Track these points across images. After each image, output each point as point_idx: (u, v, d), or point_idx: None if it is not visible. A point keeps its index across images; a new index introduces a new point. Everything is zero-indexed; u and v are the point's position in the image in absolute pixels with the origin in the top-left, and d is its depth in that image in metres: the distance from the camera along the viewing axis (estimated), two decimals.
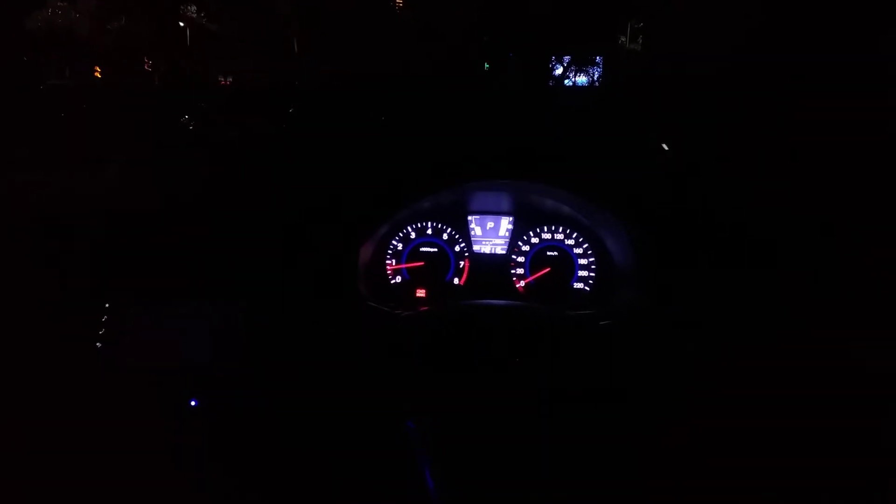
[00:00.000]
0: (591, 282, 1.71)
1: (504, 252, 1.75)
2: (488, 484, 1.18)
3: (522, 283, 1.73)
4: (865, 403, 1.28)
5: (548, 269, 1.72)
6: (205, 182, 1.69)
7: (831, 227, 1.46)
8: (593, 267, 1.71)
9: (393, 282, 1.75)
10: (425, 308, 1.40)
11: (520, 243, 1.75)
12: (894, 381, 1.28)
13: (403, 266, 1.75)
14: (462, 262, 1.75)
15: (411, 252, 1.75)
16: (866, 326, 1.34)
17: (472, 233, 1.77)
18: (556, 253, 1.73)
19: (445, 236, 1.76)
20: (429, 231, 1.76)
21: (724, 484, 1.23)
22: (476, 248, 1.76)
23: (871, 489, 1.23)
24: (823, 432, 1.26)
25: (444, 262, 1.75)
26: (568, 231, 1.73)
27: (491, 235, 1.76)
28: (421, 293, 1.74)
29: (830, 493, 1.22)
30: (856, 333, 1.34)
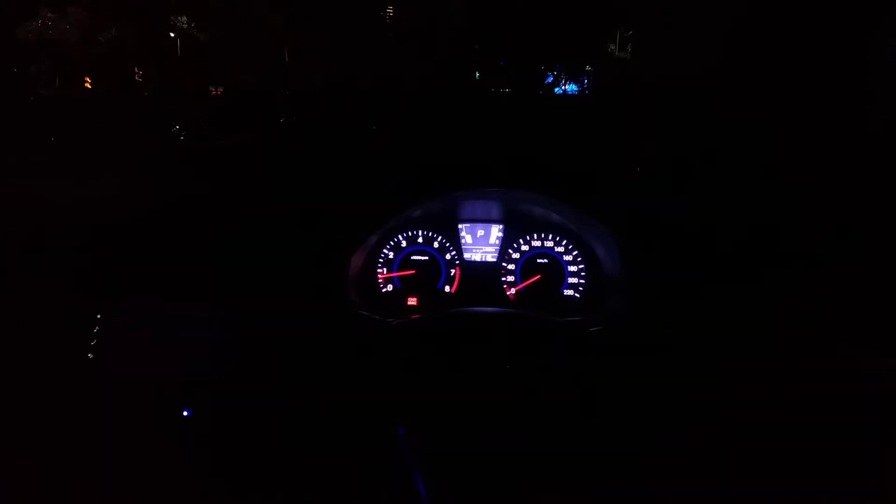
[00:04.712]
0: (581, 289, 1.72)
1: (494, 260, 1.76)
2: (479, 489, 1.18)
3: (513, 291, 1.74)
4: (853, 405, 1.30)
5: (538, 277, 1.73)
6: (195, 193, 1.69)
7: (819, 232, 1.48)
8: (583, 274, 1.72)
9: (384, 290, 1.76)
10: (416, 316, 1.41)
11: (510, 251, 1.76)
12: (882, 383, 1.30)
13: (395, 274, 1.76)
14: (453, 270, 1.76)
15: (402, 260, 1.76)
16: (852, 330, 1.36)
17: (463, 241, 1.78)
18: (546, 260, 1.74)
19: (436, 244, 1.77)
20: (419, 239, 1.77)
21: (714, 485, 1.24)
22: (467, 255, 1.77)
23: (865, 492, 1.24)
24: (812, 435, 1.27)
25: (435, 270, 1.76)
26: (558, 238, 1.74)
27: (481, 243, 1.77)
28: (412, 301, 1.74)
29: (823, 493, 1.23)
30: (843, 338, 1.35)
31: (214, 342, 1.43)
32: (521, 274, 1.75)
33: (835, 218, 1.49)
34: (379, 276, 1.76)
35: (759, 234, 1.48)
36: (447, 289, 1.76)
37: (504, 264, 1.76)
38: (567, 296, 1.73)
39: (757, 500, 1.25)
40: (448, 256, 1.77)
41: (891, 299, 1.36)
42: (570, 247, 1.73)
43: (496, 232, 1.77)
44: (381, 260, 1.75)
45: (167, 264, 1.50)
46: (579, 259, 1.72)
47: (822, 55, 1.85)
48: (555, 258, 1.74)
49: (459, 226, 1.78)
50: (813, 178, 1.68)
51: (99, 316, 1.44)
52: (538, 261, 1.75)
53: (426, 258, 1.77)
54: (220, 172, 1.91)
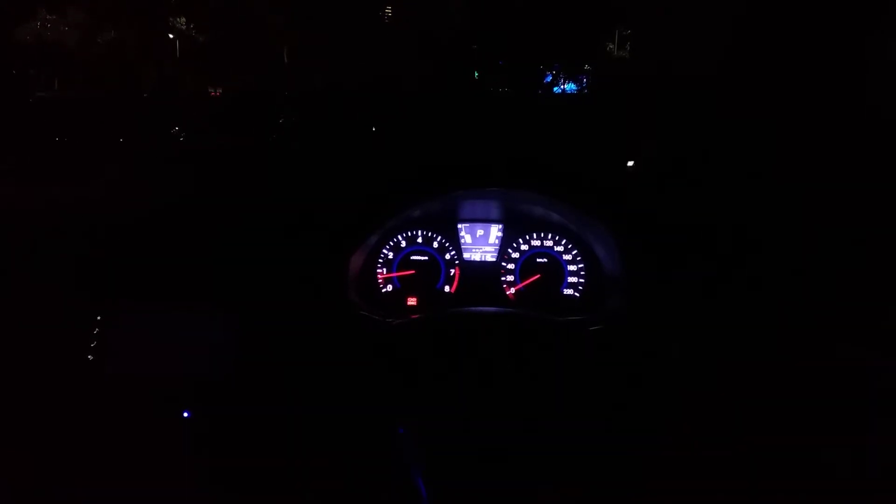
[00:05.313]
0: (580, 288, 1.72)
1: (494, 259, 1.76)
2: (479, 488, 1.19)
3: (513, 290, 1.74)
4: (853, 405, 1.30)
5: (538, 276, 1.73)
6: (195, 193, 1.69)
7: (819, 230, 1.48)
8: (583, 273, 1.72)
9: (384, 290, 1.76)
10: (416, 316, 1.41)
11: (509, 250, 1.76)
12: (882, 383, 1.30)
13: (394, 275, 1.76)
14: (452, 270, 1.76)
15: (402, 261, 1.76)
16: (852, 330, 1.36)
17: (462, 240, 1.78)
18: (545, 260, 1.74)
19: (436, 244, 1.77)
20: (419, 239, 1.77)
21: (714, 485, 1.24)
22: (466, 255, 1.77)
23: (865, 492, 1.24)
24: (812, 434, 1.27)
25: (434, 270, 1.76)
26: (557, 238, 1.74)
27: (481, 243, 1.77)
28: (412, 301, 1.74)
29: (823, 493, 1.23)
30: (843, 338, 1.35)
31: (214, 342, 1.43)
32: (521, 273, 1.75)
33: (835, 218, 1.49)
34: (379, 276, 1.76)
35: (760, 233, 1.48)
36: (447, 289, 1.76)
37: (504, 264, 1.76)
38: (567, 295, 1.73)
39: (757, 500, 1.25)
40: (448, 256, 1.77)
41: (891, 299, 1.36)
42: (570, 246, 1.73)
43: (496, 232, 1.77)
44: (380, 260, 1.75)
45: (167, 264, 1.50)
46: (579, 259, 1.72)
47: (821, 55, 1.85)
48: (554, 258, 1.74)
49: (459, 225, 1.78)
50: (813, 178, 1.68)
51: (99, 317, 1.44)
52: (538, 260, 1.74)
53: (426, 258, 1.77)
54: (220, 172, 1.91)
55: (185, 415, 1.36)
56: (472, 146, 2.03)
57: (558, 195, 1.58)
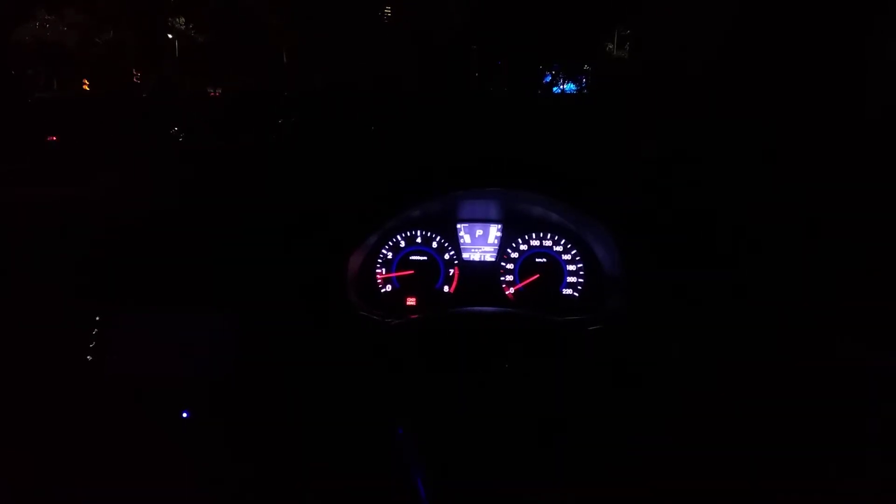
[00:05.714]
0: (580, 288, 1.72)
1: (493, 259, 1.76)
2: (479, 488, 1.18)
3: (512, 290, 1.74)
4: (853, 404, 1.30)
5: (537, 276, 1.73)
6: (194, 194, 1.69)
7: (819, 230, 1.48)
8: (582, 273, 1.72)
9: (383, 291, 1.76)
10: (415, 316, 1.41)
11: (509, 250, 1.76)
12: (883, 382, 1.30)
13: (393, 275, 1.76)
14: (452, 270, 1.76)
15: (401, 261, 1.76)
16: (852, 329, 1.36)
17: (462, 240, 1.78)
18: (544, 259, 1.74)
19: (435, 244, 1.77)
20: (418, 239, 1.77)
21: (714, 485, 1.24)
22: (465, 255, 1.77)
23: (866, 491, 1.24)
24: (812, 434, 1.27)
25: (433, 270, 1.76)
26: (556, 238, 1.74)
27: (480, 243, 1.77)
28: (411, 301, 1.74)
29: (823, 493, 1.23)
30: (843, 337, 1.35)
31: (214, 343, 1.43)
32: (520, 273, 1.74)
33: (835, 217, 1.49)
34: (378, 276, 1.76)
35: (760, 233, 1.48)
36: (446, 289, 1.76)
37: (503, 264, 1.75)
38: (566, 295, 1.73)
39: (757, 500, 1.25)
40: (447, 256, 1.77)
41: (891, 298, 1.36)
42: (569, 246, 1.73)
43: (495, 231, 1.77)
44: (379, 260, 1.75)
45: (166, 265, 1.50)
46: (578, 258, 1.72)
47: (821, 55, 1.85)
48: (553, 258, 1.74)
49: (458, 225, 1.78)
50: (813, 178, 1.68)
51: (98, 318, 1.44)
52: (537, 260, 1.74)
53: (425, 258, 1.76)
54: (219, 173, 1.91)
55: (185, 415, 1.36)
56: (471, 146, 2.02)
57: (558, 195, 1.58)
